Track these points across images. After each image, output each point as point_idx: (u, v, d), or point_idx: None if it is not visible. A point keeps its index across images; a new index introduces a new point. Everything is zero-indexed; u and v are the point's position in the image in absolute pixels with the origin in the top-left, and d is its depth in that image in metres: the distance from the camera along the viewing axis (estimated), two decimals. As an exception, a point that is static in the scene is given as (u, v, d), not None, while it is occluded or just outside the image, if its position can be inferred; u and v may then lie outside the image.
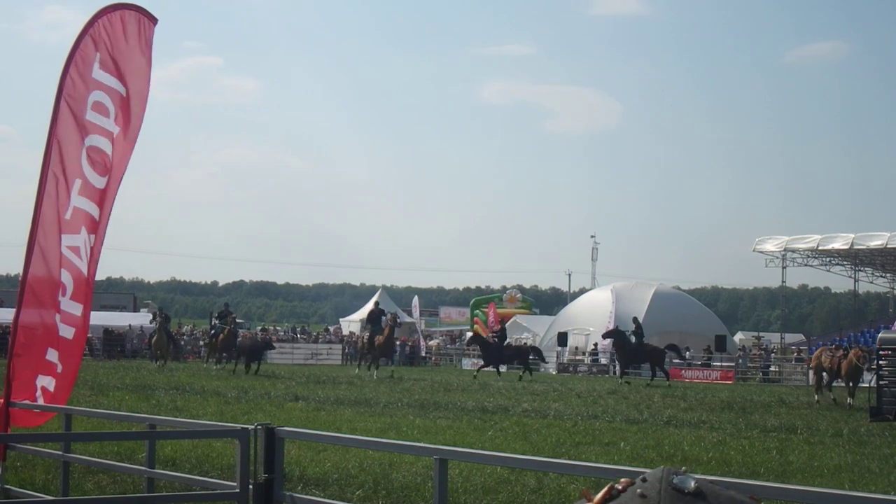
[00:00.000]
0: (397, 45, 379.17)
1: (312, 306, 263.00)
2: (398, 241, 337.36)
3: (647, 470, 1.58)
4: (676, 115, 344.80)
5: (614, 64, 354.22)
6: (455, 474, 16.15)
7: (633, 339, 54.35)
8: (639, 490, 1.51)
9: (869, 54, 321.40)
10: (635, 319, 56.61)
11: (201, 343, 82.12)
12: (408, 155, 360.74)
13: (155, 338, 58.28)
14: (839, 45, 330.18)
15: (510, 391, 41.92)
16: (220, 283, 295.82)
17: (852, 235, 73.43)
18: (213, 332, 58.61)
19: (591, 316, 76.18)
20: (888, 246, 71.30)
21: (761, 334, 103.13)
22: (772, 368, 69.19)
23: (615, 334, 55.65)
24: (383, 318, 53.18)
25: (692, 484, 1.52)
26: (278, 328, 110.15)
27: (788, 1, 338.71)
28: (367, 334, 54.59)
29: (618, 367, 60.06)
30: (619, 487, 1.53)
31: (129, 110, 15.36)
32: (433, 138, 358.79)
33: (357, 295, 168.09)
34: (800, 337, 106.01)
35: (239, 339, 57.06)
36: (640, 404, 36.75)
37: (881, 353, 34.61)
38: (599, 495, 1.52)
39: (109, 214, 15.43)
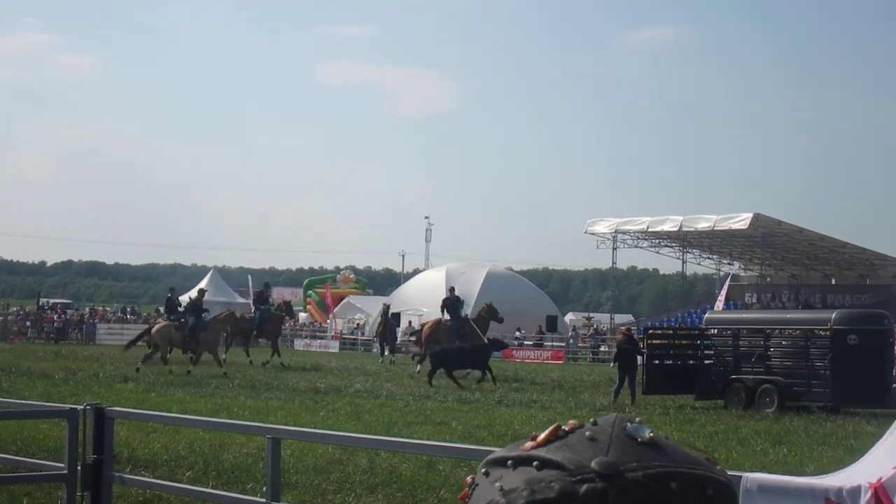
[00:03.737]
0: (235, 23, 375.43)
1: (143, 287, 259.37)
2: (230, 221, 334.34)
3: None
4: (512, 98, 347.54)
5: (453, 46, 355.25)
6: (287, 455, 16.07)
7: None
8: (588, 433, 1.43)
9: (703, 40, 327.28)
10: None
11: (28, 323, 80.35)
12: (242, 135, 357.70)
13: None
14: (675, 30, 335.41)
15: (343, 372, 41.92)
16: (49, 263, 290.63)
17: (681, 218, 74.68)
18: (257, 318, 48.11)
19: (424, 296, 76.41)
20: (715, 228, 72.70)
21: (592, 315, 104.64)
22: (602, 348, 70.10)
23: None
24: (462, 307, 46.05)
25: (647, 433, 1.43)
26: (107, 308, 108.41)
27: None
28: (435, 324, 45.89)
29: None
30: (566, 429, 1.45)
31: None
32: (270, 119, 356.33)
33: (189, 276, 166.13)
34: (629, 317, 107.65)
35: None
36: (472, 385, 37.01)
37: (707, 332, 35.30)
38: (544, 435, 1.43)
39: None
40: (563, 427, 1.47)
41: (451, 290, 47.46)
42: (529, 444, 1.45)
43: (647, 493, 1.37)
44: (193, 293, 50.27)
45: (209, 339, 42.14)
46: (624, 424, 1.45)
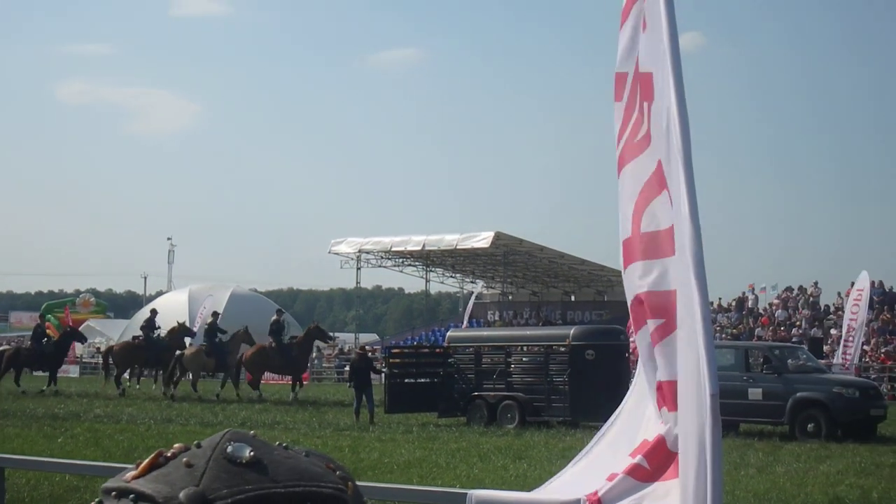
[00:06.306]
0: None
1: None
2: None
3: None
4: (255, 117, 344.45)
5: (194, 65, 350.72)
6: (22, 483, 15.72)
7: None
8: (185, 458, 1.39)
9: (439, 60, 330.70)
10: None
11: None
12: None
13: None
14: (416, 51, 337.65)
15: (83, 397, 41.15)
16: None
17: (424, 237, 75.33)
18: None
19: (168, 319, 75.40)
20: (457, 247, 73.53)
21: (337, 335, 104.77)
22: (346, 368, 70.15)
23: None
24: (284, 329, 45.75)
25: (248, 453, 1.40)
26: None
27: (368, 9, 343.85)
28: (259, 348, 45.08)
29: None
30: (168, 455, 1.41)
31: None
32: (5, 136, 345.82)
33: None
34: (374, 336, 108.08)
35: None
36: (216, 407, 36.75)
37: (450, 350, 35.66)
38: (145, 463, 1.40)
39: None
40: (164, 454, 1.44)
41: (279, 311, 47.99)
42: (132, 473, 1.43)
43: None
44: (208, 316, 49.91)
45: (234, 360, 44.71)
46: (225, 446, 1.43)
